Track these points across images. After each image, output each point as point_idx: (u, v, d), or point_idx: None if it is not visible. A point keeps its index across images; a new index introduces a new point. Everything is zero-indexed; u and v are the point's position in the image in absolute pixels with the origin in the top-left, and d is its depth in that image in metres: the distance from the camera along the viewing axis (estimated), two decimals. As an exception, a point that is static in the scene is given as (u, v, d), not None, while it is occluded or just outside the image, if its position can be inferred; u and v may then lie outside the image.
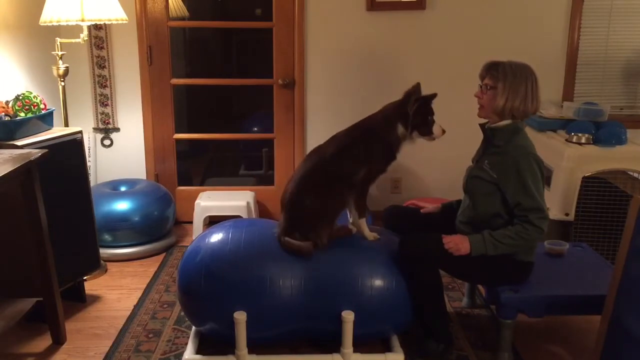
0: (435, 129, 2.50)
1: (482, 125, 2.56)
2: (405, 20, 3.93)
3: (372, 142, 2.51)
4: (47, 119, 2.92)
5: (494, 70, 2.40)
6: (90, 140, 4.00)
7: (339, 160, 2.47)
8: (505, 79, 2.36)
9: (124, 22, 3.28)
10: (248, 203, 3.83)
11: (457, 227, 2.59)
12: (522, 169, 2.32)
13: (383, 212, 2.85)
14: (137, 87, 3.98)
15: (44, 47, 3.48)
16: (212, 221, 3.75)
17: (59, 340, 2.64)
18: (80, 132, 2.99)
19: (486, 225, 2.42)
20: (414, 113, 2.45)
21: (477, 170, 2.49)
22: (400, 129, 2.49)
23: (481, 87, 2.46)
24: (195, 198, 3.94)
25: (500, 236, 2.34)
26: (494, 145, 2.45)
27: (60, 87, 3.31)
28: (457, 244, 2.37)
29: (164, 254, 3.66)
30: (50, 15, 3.05)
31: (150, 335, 2.72)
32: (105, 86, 3.97)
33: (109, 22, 3.21)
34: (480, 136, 3.16)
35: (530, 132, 2.68)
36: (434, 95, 2.49)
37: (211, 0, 5.26)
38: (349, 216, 2.64)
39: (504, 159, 2.38)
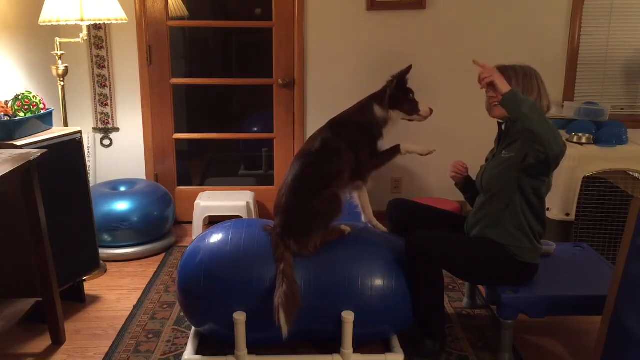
0: (423, 108, 2.53)
1: (500, 122, 2.56)
2: (405, 20, 3.93)
3: (350, 130, 2.51)
4: (46, 119, 2.92)
5: (504, 71, 2.42)
6: (90, 140, 3.99)
7: (322, 159, 2.47)
8: (517, 76, 2.39)
9: (124, 21, 3.28)
10: (248, 203, 3.83)
11: (467, 229, 2.59)
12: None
13: (387, 205, 2.84)
14: (137, 87, 3.98)
15: (44, 46, 3.48)
16: (212, 221, 3.75)
17: (58, 340, 2.64)
18: (80, 132, 2.99)
19: (500, 217, 2.42)
20: (394, 89, 2.48)
21: (494, 161, 2.51)
22: (378, 110, 2.50)
23: (488, 91, 2.45)
24: (195, 198, 3.94)
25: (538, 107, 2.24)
26: (511, 136, 2.45)
27: (60, 87, 3.31)
28: (493, 72, 2.26)
29: (163, 254, 3.66)
30: (49, 15, 3.05)
31: (150, 336, 2.71)
32: (105, 86, 3.96)
33: (109, 22, 3.20)
34: (479, 135, 3.17)
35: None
36: (408, 68, 2.51)
37: (211, 0, 5.25)
38: (361, 215, 2.66)
39: (521, 138, 2.37)
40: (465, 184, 2.75)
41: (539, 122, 2.17)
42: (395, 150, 2.53)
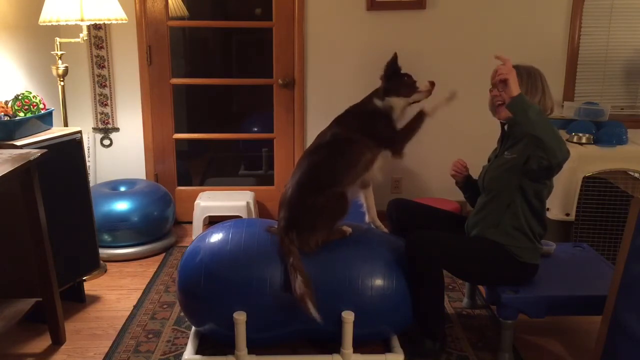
0: (421, 84, 2.53)
1: (502, 122, 2.55)
2: (405, 20, 3.92)
3: (360, 120, 2.51)
4: (46, 119, 2.92)
5: None
6: (90, 140, 3.99)
7: (334, 153, 2.47)
8: (522, 76, 2.37)
9: (124, 21, 3.28)
10: (248, 203, 3.83)
11: (467, 229, 2.60)
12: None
13: (387, 205, 2.84)
14: (137, 87, 3.98)
15: (44, 46, 3.48)
16: (212, 221, 3.74)
17: (58, 340, 2.64)
18: (80, 132, 2.99)
19: (500, 218, 2.42)
20: (385, 81, 2.50)
21: (497, 162, 2.51)
22: (378, 102, 2.51)
23: (497, 87, 2.44)
24: (195, 198, 3.94)
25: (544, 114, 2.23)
26: (514, 137, 2.44)
27: (60, 87, 3.31)
28: (511, 71, 2.23)
29: (163, 254, 3.66)
30: (49, 15, 3.05)
31: (150, 336, 2.71)
32: (105, 86, 3.96)
33: (109, 22, 3.20)
34: (480, 134, 3.17)
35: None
36: (394, 57, 2.54)
37: (211, 0, 5.26)
38: (365, 215, 2.66)
39: (524, 139, 2.37)
40: (465, 183, 2.75)
41: (544, 128, 2.15)
42: (422, 115, 2.51)
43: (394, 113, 2.51)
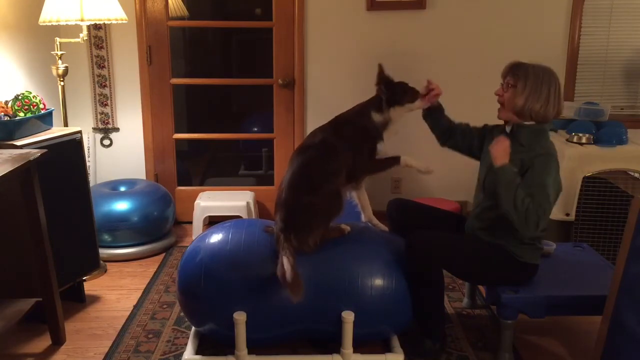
0: (422, 89, 2.54)
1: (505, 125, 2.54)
2: (405, 20, 3.93)
3: (350, 131, 2.51)
4: (46, 119, 2.92)
5: (516, 69, 2.40)
6: (90, 140, 3.99)
7: (321, 156, 2.46)
8: (527, 78, 2.35)
9: (124, 21, 3.28)
10: (248, 203, 3.83)
11: (467, 230, 2.60)
12: (543, 170, 2.31)
13: (387, 204, 2.83)
14: (137, 87, 3.98)
15: (44, 46, 3.48)
16: (212, 221, 3.75)
17: (58, 340, 2.64)
18: (80, 132, 2.99)
19: (500, 220, 2.39)
20: (388, 94, 2.49)
21: None
22: (376, 116, 2.51)
23: (502, 85, 2.44)
24: (195, 198, 3.94)
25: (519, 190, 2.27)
26: (519, 144, 2.40)
27: (60, 87, 3.31)
28: (504, 146, 2.30)
29: (163, 254, 3.66)
30: (49, 15, 3.05)
31: (150, 336, 2.71)
32: (105, 86, 3.96)
33: (109, 22, 3.20)
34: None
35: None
36: (380, 67, 2.54)
37: (211, 0, 5.26)
38: (361, 214, 2.66)
39: (528, 157, 2.35)
40: (434, 110, 2.71)
41: (515, 211, 2.24)
42: (395, 160, 2.53)
43: (390, 125, 2.51)
